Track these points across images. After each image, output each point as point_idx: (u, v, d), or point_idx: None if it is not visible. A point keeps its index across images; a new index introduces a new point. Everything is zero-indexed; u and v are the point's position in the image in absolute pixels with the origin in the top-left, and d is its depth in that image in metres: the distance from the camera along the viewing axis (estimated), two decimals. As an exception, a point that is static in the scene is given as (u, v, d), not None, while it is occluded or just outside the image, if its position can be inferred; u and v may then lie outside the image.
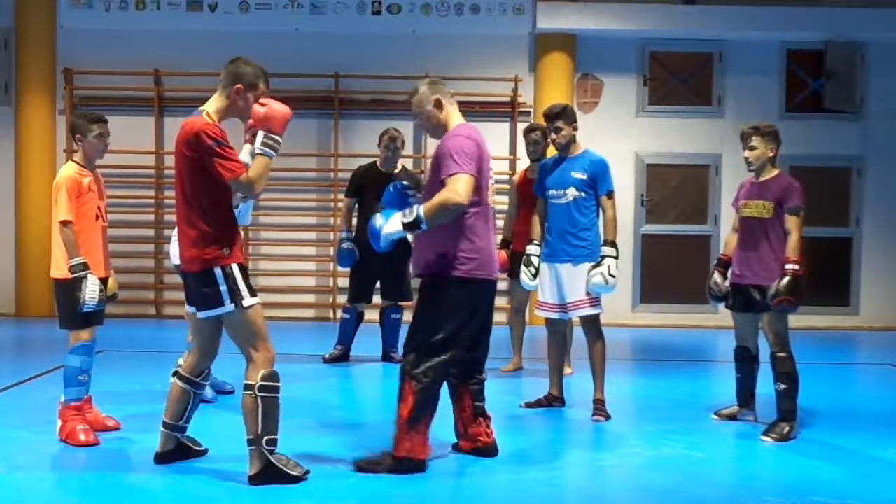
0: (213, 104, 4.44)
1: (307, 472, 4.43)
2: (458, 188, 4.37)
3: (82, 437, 5.06)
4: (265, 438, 4.33)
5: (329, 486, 4.41)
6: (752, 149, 5.70)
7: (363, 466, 4.59)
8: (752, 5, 10.91)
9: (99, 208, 5.28)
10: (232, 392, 6.47)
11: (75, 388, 5.17)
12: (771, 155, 5.72)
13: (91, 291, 5.02)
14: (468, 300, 4.58)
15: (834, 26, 10.94)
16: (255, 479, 4.34)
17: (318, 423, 5.70)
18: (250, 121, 4.44)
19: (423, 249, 4.66)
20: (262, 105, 4.35)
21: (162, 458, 4.68)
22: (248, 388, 4.35)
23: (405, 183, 4.80)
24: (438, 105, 4.62)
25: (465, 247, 4.53)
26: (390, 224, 4.50)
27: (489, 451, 4.94)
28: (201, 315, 4.44)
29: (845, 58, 11.12)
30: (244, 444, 4.38)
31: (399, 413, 4.57)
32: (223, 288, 4.32)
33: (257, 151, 4.32)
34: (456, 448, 5.00)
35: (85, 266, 5.05)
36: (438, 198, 4.42)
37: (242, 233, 9.37)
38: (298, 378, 7.27)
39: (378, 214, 4.62)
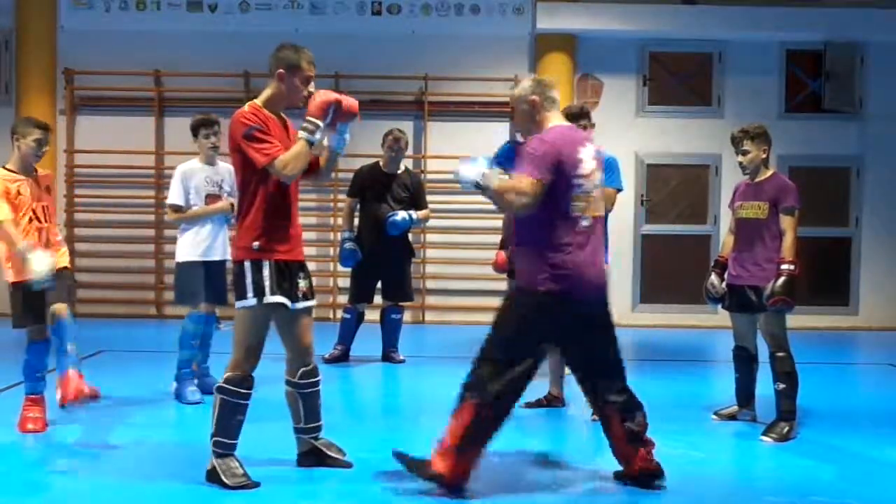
0: (263, 94, 4.43)
1: (249, 484, 4.30)
2: (522, 188, 4.21)
3: (30, 426, 5.36)
4: (214, 439, 4.33)
5: (329, 486, 4.42)
6: (744, 153, 5.72)
7: (403, 458, 4.40)
8: (751, 5, 10.91)
9: (34, 211, 5.36)
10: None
11: (31, 384, 5.45)
12: (764, 156, 5.73)
13: (38, 264, 5.08)
14: (546, 318, 4.27)
15: (833, 27, 10.95)
16: (207, 476, 4.38)
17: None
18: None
19: (518, 260, 4.47)
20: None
21: (299, 461, 4.70)
22: (219, 383, 4.38)
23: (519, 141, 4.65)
24: (533, 106, 4.45)
25: (549, 261, 4.27)
26: (471, 169, 4.30)
27: (647, 477, 4.53)
28: (236, 304, 4.37)
29: (844, 58, 11.12)
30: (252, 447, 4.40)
31: (450, 429, 4.27)
32: (248, 280, 4.29)
33: (299, 136, 4.29)
34: (617, 476, 4.64)
35: (30, 246, 5.15)
36: (509, 184, 4.28)
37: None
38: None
39: (484, 159, 4.43)
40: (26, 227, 5.30)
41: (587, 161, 4.39)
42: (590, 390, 4.54)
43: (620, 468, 4.60)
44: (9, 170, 5.37)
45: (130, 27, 11.00)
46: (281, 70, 4.36)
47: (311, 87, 4.42)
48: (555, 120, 4.49)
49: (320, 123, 4.29)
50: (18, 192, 5.29)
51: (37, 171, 5.50)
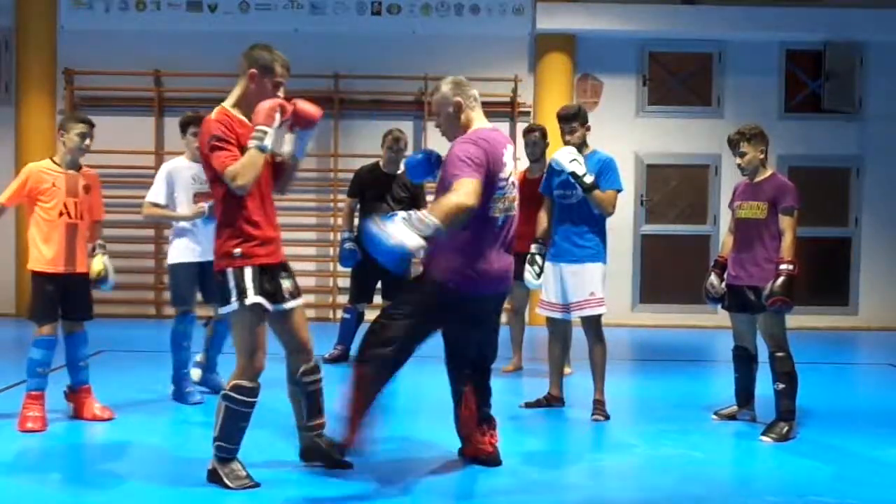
0: (233, 94, 4.35)
1: (252, 485, 4.29)
2: (466, 191, 4.18)
3: (29, 425, 5.33)
4: (217, 444, 4.32)
5: (329, 486, 4.42)
6: (742, 155, 5.72)
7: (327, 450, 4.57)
8: (751, 6, 10.92)
9: (65, 205, 5.49)
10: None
11: (34, 380, 5.43)
12: (761, 157, 5.73)
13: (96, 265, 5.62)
14: (445, 312, 4.42)
15: (833, 27, 10.96)
16: (207, 476, 4.38)
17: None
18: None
19: (432, 253, 4.44)
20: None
21: (300, 456, 4.72)
22: (224, 390, 4.35)
23: (436, 154, 4.74)
24: (458, 108, 4.48)
25: (462, 261, 4.34)
26: (404, 235, 4.03)
27: (491, 461, 4.78)
28: (220, 311, 4.35)
29: (844, 58, 11.13)
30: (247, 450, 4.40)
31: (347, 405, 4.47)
32: (231, 285, 4.23)
33: (249, 145, 4.16)
34: (461, 453, 4.89)
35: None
36: (447, 201, 4.17)
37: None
38: (298, 378, 7.29)
39: (379, 219, 4.25)
40: (56, 220, 5.47)
41: (509, 163, 4.51)
42: (457, 369, 4.73)
43: (464, 445, 4.85)
44: (54, 162, 5.57)
45: (130, 27, 11.01)
46: (253, 70, 4.29)
47: (280, 94, 4.32)
48: (479, 119, 4.54)
49: (268, 129, 4.15)
50: (53, 185, 5.48)
51: (81, 168, 5.63)
